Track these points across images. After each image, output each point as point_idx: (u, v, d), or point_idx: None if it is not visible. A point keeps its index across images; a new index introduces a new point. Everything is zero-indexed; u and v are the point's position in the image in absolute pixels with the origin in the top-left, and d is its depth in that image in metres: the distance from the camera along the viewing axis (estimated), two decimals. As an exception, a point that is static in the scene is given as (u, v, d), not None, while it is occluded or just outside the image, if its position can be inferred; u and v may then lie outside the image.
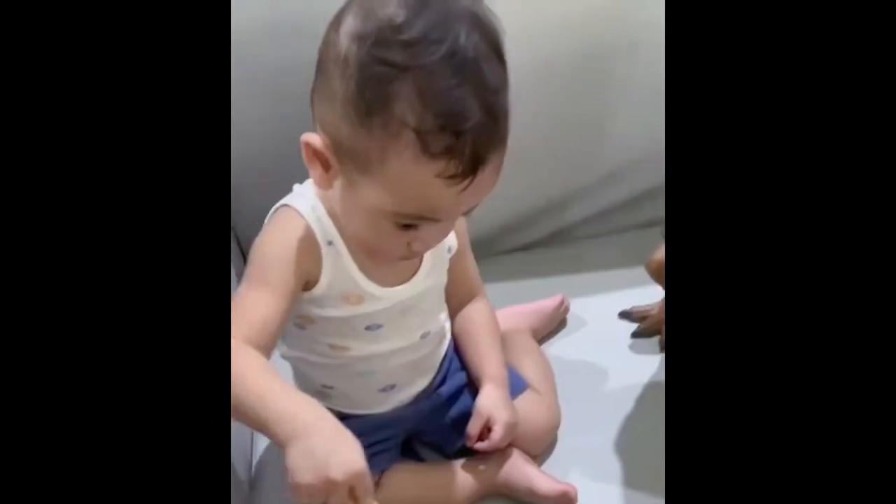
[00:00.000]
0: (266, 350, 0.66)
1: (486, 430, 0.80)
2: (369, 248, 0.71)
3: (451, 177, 0.60)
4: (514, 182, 1.06)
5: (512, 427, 0.80)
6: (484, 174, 0.62)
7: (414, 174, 0.60)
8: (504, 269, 1.10)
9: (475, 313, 0.87)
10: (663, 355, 0.97)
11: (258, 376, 0.61)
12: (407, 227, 0.65)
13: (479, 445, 0.80)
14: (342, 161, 0.64)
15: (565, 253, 1.14)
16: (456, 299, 0.86)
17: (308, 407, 0.59)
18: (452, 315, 0.87)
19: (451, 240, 0.80)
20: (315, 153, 0.65)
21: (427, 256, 0.77)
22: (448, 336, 0.86)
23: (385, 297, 0.75)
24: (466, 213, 0.68)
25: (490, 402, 0.80)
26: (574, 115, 1.05)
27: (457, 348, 0.87)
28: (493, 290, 0.95)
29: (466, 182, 0.61)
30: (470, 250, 0.86)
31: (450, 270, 0.81)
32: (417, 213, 0.63)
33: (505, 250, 1.14)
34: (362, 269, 0.73)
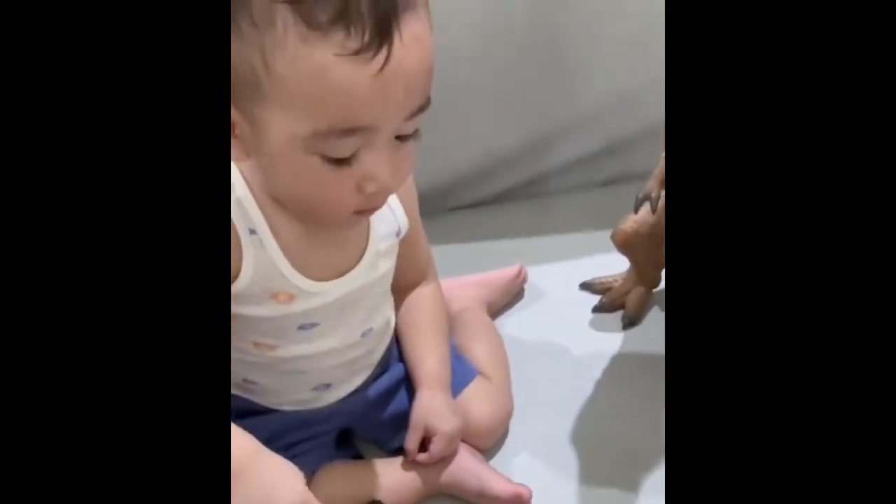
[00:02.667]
0: None
1: (427, 440, 0.72)
2: (317, 215, 0.59)
3: (357, 52, 0.48)
4: (469, 129, 1.02)
5: (453, 436, 0.72)
6: (403, 45, 0.49)
7: (309, 63, 0.48)
8: (456, 228, 1.03)
9: (421, 300, 0.77)
10: (626, 332, 0.90)
11: None
12: (340, 161, 0.53)
13: (420, 458, 0.72)
14: (238, 105, 0.52)
15: (523, 211, 1.06)
16: (403, 284, 0.76)
17: (236, 443, 0.51)
18: (397, 299, 0.78)
19: (401, 219, 0.70)
20: None
21: (372, 243, 0.67)
22: (392, 329, 0.77)
23: (320, 292, 0.64)
24: (413, 135, 0.55)
25: (426, 410, 0.72)
26: (536, 59, 0.97)
27: (397, 337, 0.78)
28: (443, 252, 0.87)
29: (381, 56, 0.49)
30: (421, 227, 0.76)
31: (398, 252, 0.71)
32: (340, 126, 0.51)
33: (457, 206, 1.06)
34: (292, 261, 0.62)
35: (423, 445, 0.73)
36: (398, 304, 0.78)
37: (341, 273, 0.65)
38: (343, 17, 0.48)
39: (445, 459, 0.74)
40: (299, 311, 0.64)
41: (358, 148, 0.53)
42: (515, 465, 0.77)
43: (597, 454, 0.79)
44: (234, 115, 0.53)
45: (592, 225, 0.97)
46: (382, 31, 0.49)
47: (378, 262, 0.67)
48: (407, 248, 0.72)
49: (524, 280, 0.95)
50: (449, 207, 1.05)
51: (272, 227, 0.61)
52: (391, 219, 0.69)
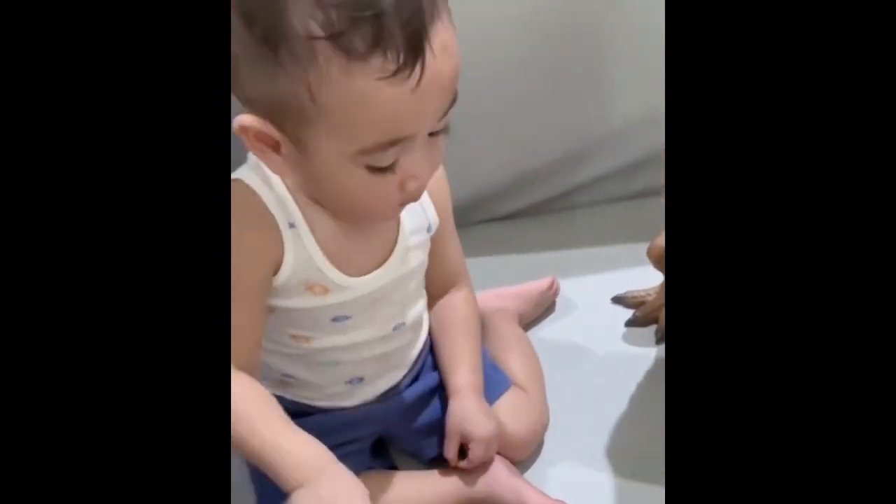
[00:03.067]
0: (254, 366, 0.63)
1: (466, 447, 0.72)
2: (361, 215, 0.62)
3: (395, 72, 0.51)
4: (501, 143, 1.02)
5: (491, 441, 0.72)
6: (435, 59, 0.52)
7: (353, 91, 0.51)
8: (488, 240, 1.03)
9: (453, 306, 0.77)
10: (660, 347, 0.89)
11: (255, 414, 0.58)
12: (384, 169, 0.56)
13: (461, 465, 0.73)
14: (282, 128, 0.55)
15: (555, 224, 1.06)
16: (434, 286, 0.76)
17: (312, 451, 0.58)
18: (430, 304, 0.78)
19: (431, 216, 0.71)
20: (257, 135, 0.56)
21: (402, 238, 0.68)
22: (426, 328, 0.77)
23: (353, 286, 0.65)
24: (443, 130, 0.58)
25: (461, 416, 0.72)
26: (570, 73, 0.97)
27: (430, 347, 0.78)
28: (475, 264, 0.87)
29: (417, 71, 0.51)
30: (454, 230, 0.76)
31: (430, 253, 0.72)
32: (384, 140, 0.54)
33: (489, 219, 1.06)
34: (328, 255, 0.64)
35: (462, 452, 0.72)
36: (431, 308, 0.78)
37: (372, 268, 0.66)
38: (379, 43, 0.50)
39: (481, 469, 0.74)
40: (333, 304, 0.65)
41: (399, 155, 0.56)
42: (551, 479, 0.77)
43: (631, 469, 0.78)
44: (278, 135, 0.56)
45: (625, 238, 0.96)
46: (416, 49, 0.51)
47: (408, 257, 0.68)
48: (438, 249, 0.73)
49: (556, 293, 0.94)
50: (482, 219, 1.05)
51: (310, 223, 0.63)
52: (420, 213, 0.70)
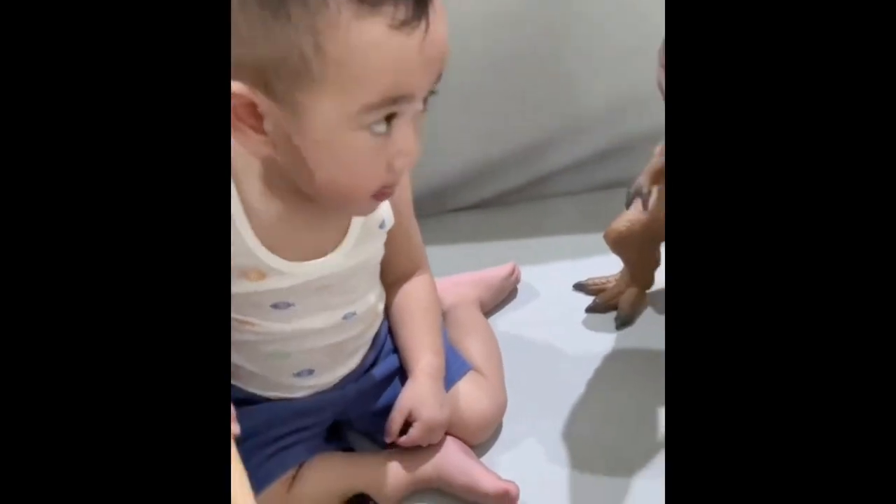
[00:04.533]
0: None
1: (408, 426, 0.72)
2: (343, 195, 0.60)
3: (405, 22, 0.52)
4: (468, 134, 1.02)
5: (436, 426, 0.73)
6: (436, 15, 0.54)
7: (363, 38, 0.51)
8: (452, 229, 1.03)
9: (413, 291, 0.77)
10: (620, 332, 0.90)
11: None
12: (379, 136, 0.56)
13: (400, 441, 0.73)
14: (275, 91, 0.54)
15: (519, 213, 1.06)
16: (393, 275, 0.77)
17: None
18: (389, 291, 0.78)
19: (386, 212, 0.70)
20: (241, 109, 0.55)
21: (353, 229, 0.67)
22: (380, 317, 0.77)
23: (293, 273, 0.65)
24: (425, 106, 0.58)
25: (414, 396, 0.72)
26: (536, 62, 0.97)
27: (390, 329, 0.78)
28: (439, 252, 0.88)
29: (423, 25, 0.53)
30: (414, 221, 0.76)
31: (388, 243, 0.72)
32: (389, 95, 0.54)
33: (456, 208, 1.06)
34: (264, 239, 0.63)
35: (404, 432, 0.72)
36: (390, 295, 0.78)
37: (317, 256, 0.65)
38: None
39: (434, 450, 0.74)
40: (271, 290, 0.65)
41: (395, 113, 0.55)
42: (507, 463, 0.77)
43: (589, 453, 0.78)
44: (266, 105, 0.55)
45: (589, 227, 0.95)
46: (423, 3, 0.52)
47: (359, 249, 0.68)
48: (397, 239, 0.73)
49: (517, 279, 0.95)
50: (449, 209, 1.05)
51: (247, 206, 0.62)
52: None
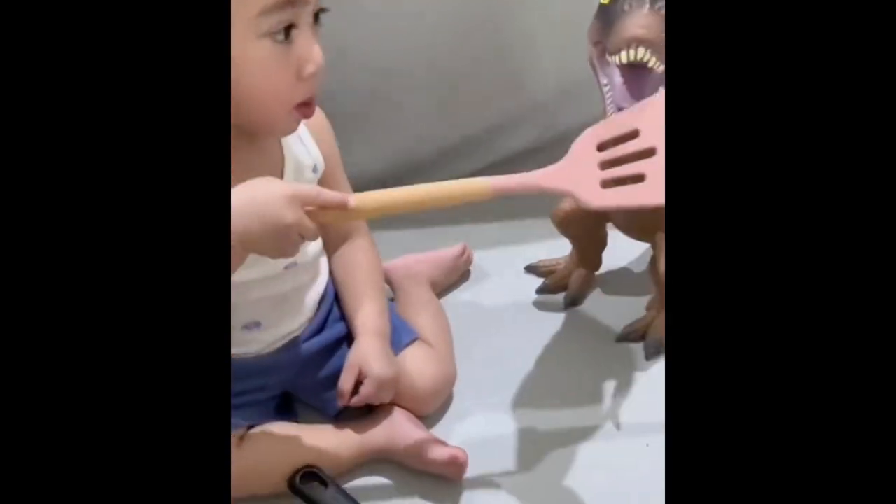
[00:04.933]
0: None
1: (359, 385, 0.73)
2: (264, 112, 0.65)
3: None
4: (421, 117, 1.04)
5: (387, 381, 0.73)
6: None
7: None
8: (398, 218, 1.02)
9: (354, 255, 0.79)
10: (568, 312, 0.92)
11: None
12: (282, 43, 0.61)
13: (352, 401, 0.73)
14: None
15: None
16: (330, 234, 0.78)
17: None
18: (330, 253, 0.79)
19: (316, 154, 0.73)
20: None
21: (288, 171, 0.70)
22: (323, 275, 0.78)
23: None
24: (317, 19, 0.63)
25: (362, 353, 0.73)
26: (487, 48, 1.00)
27: (336, 296, 0.79)
28: (391, 236, 0.89)
29: None
30: (345, 177, 0.79)
31: None
32: None
33: None
34: None
35: (357, 391, 0.73)
36: (332, 260, 0.79)
37: None
38: None
39: (381, 418, 0.75)
40: None
41: (292, 23, 0.60)
42: (456, 433, 0.78)
43: (538, 425, 0.80)
44: None
45: (537, 212, 0.97)
46: None
47: None
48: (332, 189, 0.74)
49: (469, 260, 0.96)
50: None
51: None
52: (304, 151, 0.72)
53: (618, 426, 0.80)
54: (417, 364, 0.78)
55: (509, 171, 1.08)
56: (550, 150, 1.08)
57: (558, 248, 0.94)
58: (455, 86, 1.02)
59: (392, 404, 0.76)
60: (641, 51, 0.62)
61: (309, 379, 0.77)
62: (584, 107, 1.03)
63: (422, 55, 0.98)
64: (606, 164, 0.63)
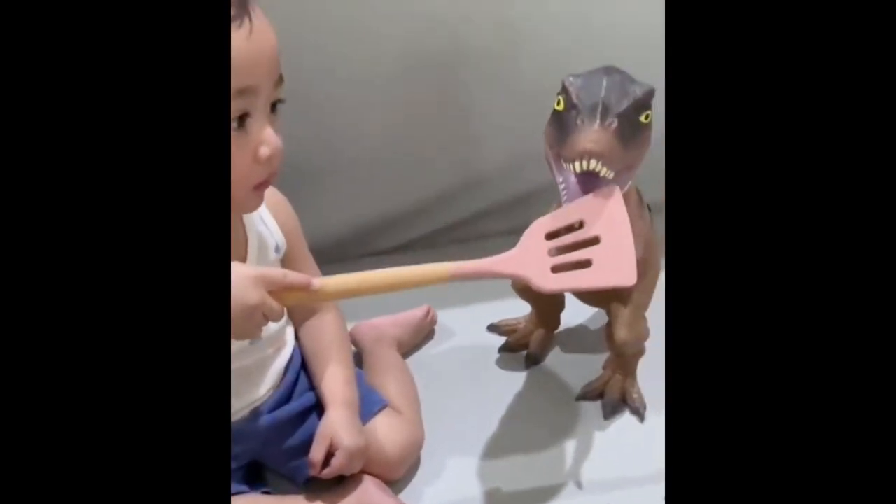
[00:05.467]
0: None
1: (331, 456, 0.75)
2: None
3: (233, 18, 0.61)
4: (376, 182, 1.07)
5: (357, 452, 0.75)
6: (259, 20, 0.63)
7: None
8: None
9: (322, 326, 0.82)
10: (530, 370, 0.96)
11: None
12: (237, 129, 0.63)
13: (323, 473, 0.75)
14: None
15: (433, 259, 1.09)
16: (296, 309, 0.81)
17: None
18: (297, 325, 0.82)
19: (278, 235, 0.76)
20: None
21: (251, 251, 0.72)
22: (289, 345, 0.81)
23: None
24: (276, 108, 0.66)
25: (332, 424, 0.75)
26: (438, 117, 1.04)
27: (304, 365, 0.82)
28: (353, 300, 0.90)
29: (247, 22, 0.62)
30: (308, 254, 0.81)
31: None
32: (234, 86, 0.61)
33: (370, 253, 1.11)
34: None
35: (328, 462, 0.75)
36: (300, 331, 0.82)
37: None
38: None
39: (351, 488, 0.77)
40: None
41: (247, 112, 0.63)
42: (426, 497, 0.81)
43: (502, 486, 0.83)
44: None
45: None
46: (243, 5, 0.63)
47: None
48: (295, 266, 0.77)
49: (433, 321, 0.99)
50: (362, 254, 1.10)
51: None
52: (266, 231, 0.75)
53: (579, 485, 0.83)
54: (386, 431, 0.80)
55: (460, 236, 1.14)
56: (501, 213, 1.14)
57: (519, 307, 0.97)
58: (411, 151, 1.05)
59: (362, 472, 0.78)
60: (594, 162, 0.67)
61: (277, 448, 0.79)
62: (533, 175, 1.08)
63: (373, 124, 1.02)
64: (555, 252, 0.68)
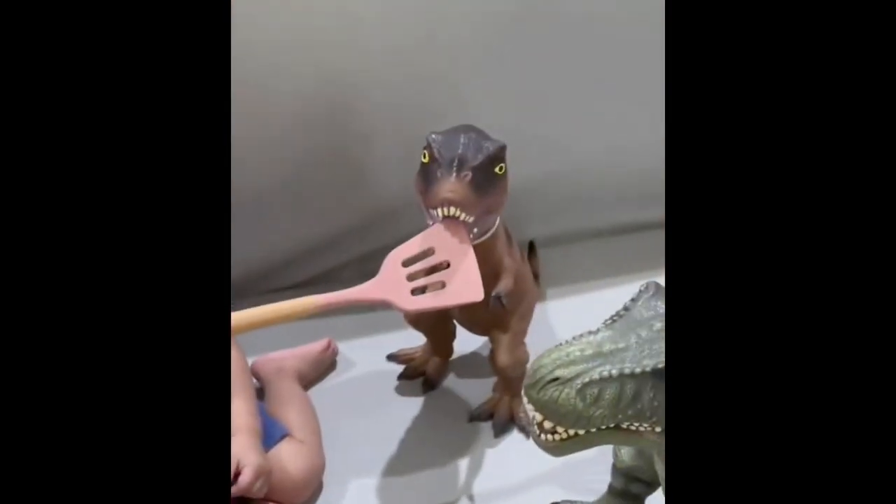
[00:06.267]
0: None
1: (237, 478, 0.79)
2: None
3: None
4: (278, 221, 1.12)
5: (262, 471, 0.79)
6: None
7: None
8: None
9: None
10: (427, 396, 1.02)
11: None
12: None
13: (233, 490, 0.78)
14: None
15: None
16: None
17: None
18: None
19: None
20: None
21: None
22: None
23: None
24: None
25: (239, 448, 0.79)
26: (335, 160, 1.09)
27: None
28: (254, 333, 0.93)
29: None
30: None
31: None
32: None
33: (270, 290, 1.15)
34: None
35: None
36: None
37: None
38: None
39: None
40: None
41: None
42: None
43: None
44: None
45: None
46: None
47: None
48: None
49: (334, 353, 1.05)
50: (267, 290, 1.14)
51: None
52: None
53: (471, 498, 0.90)
54: (289, 458, 0.85)
55: (360, 269, 1.18)
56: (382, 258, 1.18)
57: (415, 337, 1.04)
58: (305, 194, 1.10)
59: (266, 499, 0.82)
60: (453, 209, 0.76)
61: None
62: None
63: (273, 168, 1.06)
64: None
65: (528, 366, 0.58)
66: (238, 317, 0.73)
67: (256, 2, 0.93)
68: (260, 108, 1.00)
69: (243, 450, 0.80)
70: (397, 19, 0.99)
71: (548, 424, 0.57)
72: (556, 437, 0.57)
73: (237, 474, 0.79)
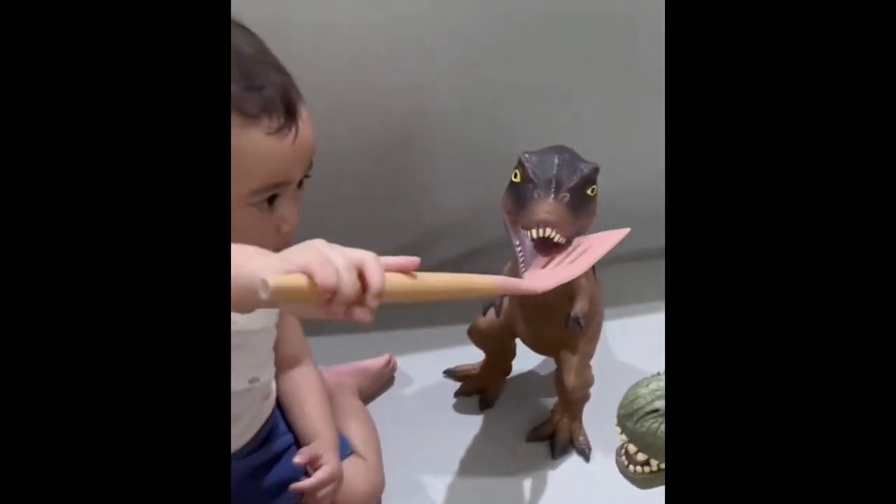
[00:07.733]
0: None
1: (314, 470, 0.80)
2: None
3: (279, 129, 0.66)
4: (333, 235, 1.11)
5: (336, 477, 0.80)
6: (303, 124, 0.69)
7: (247, 143, 0.65)
8: (327, 325, 1.09)
9: (305, 378, 0.86)
10: (485, 413, 1.02)
11: None
12: (269, 204, 0.69)
13: (302, 484, 0.79)
14: None
15: (390, 309, 1.14)
16: (280, 357, 0.85)
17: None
18: (278, 375, 0.86)
19: None
20: None
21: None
22: (274, 394, 0.85)
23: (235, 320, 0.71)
24: (302, 183, 0.72)
25: (322, 447, 0.81)
26: (394, 179, 1.10)
27: (282, 410, 0.86)
28: (320, 343, 0.95)
29: (293, 132, 0.67)
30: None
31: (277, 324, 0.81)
32: (269, 182, 0.67)
33: None
34: None
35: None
36: (280, 380, 0.86)
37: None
38: (266, 109, 0.66)
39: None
40: None
41: (277, 194, 0.69)
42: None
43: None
44: None
45: (452, 320, 1.07)
46: (292, 115, 0.68)
47: (270, 312, 0.78)
48: (283, 318, 0.82)
49: (394, 369, 1.05)
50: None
51: None
52: None
53: (533, 521, 0.90)
54: (352, 475, 0.85)
55: None
56: (460, 265, 1.19)
57: (473, 353, 1.03)
58: (371, 207, 1.10)
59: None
60: (549, 230, 0.75)
61: (254, 487, 0.83)
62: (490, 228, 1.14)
63: (331, 183, 1.06)
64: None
65: (624, 395, 0.57)
66: (416, 283, 0.61)
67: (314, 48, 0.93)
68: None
69: (327, 452, 0.81)
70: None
71: (641, 457, 0.56)
72: (647, 469, 0.57)
73: (315, 469, 0.79)
